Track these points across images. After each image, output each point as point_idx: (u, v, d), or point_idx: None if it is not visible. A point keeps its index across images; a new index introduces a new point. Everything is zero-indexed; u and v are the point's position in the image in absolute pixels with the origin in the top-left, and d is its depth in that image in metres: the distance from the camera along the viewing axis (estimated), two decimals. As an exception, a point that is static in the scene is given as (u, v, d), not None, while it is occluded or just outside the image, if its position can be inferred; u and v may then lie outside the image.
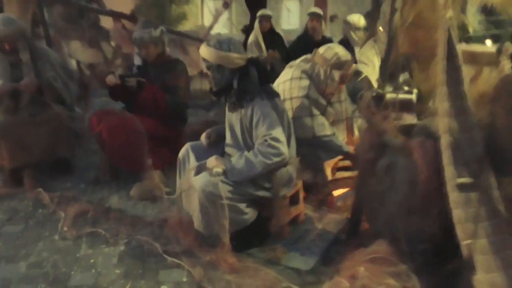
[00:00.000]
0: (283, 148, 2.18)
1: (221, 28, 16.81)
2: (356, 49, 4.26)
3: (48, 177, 3.35)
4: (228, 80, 2.28)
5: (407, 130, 2.38)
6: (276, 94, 2.36)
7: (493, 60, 2.60)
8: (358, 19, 4.19)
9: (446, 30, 2.07)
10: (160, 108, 3.15)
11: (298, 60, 2.96)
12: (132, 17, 4.33)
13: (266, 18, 4.68)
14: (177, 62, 3.37)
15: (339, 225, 2.68)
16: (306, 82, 2.76)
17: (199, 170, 2.30)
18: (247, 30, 5.05)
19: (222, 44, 2.25)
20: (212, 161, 2.25)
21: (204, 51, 2.30)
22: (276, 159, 2.14)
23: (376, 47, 4.34)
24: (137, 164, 3.04)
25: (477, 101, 3.14)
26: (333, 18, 20.04)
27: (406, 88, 4.32)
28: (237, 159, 2.22)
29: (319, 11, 4.47)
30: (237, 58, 2.25)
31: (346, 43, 4.34)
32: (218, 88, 2.34)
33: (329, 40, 4.55)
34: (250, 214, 2.30)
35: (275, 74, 4.68)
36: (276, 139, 2.16)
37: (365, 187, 2.31)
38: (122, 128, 3.01)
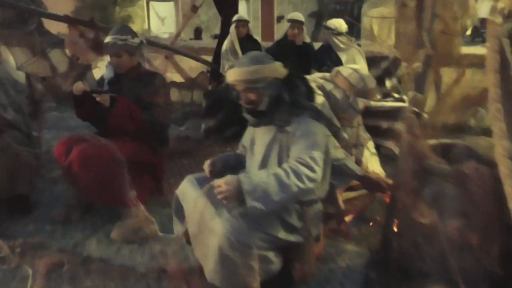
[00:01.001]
0: (318, 174, 1.79)
1: (169, 32, 16.23)
2: (341, 54, 4.00)
3: (4, 220, 2.75)
4: (277, 93, 1.95)
5: (444, 151, 2.12)
6: (322, 117, 2.04)
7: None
8: (340, 24, 3.93)
9: (498, 38, 1.81)
10: (136, 126, 2.68)
11: (313, 76, 2.62)
12: (91, 24, 3.77)
13: (243, 23, 4.29)
14: (155, 75, 2.92)
15: (361, 259, 2.37)
16: (320, 99, 2.43)
17: (212, 200, 1.87)
18: (221, 36, 4.63)
19: (256, 58, 1.95)
20: (224, 181, 1.77)
21: (240, 72, 1.94)
22: (308, 185, 1.74)
23: (362, 51, 4.11)
24: (117, 199, 2.55)
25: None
26: (279, 19, 20.07)
27: (396, 95, 4.15)
28: (260, 176, 1.76)
29: (300, 18, 4.15)
30: (280, 66, 1.98)
31: (328, 49, 4.07)
32: (267, 105, 1.95)
33: (310, 45, 4.26)
34: (277, 262, 1.92)
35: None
36: (315, 160, 1.79)
37: (405, 220, 2.01)
38: (97, 158, 2.50)
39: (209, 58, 5.20)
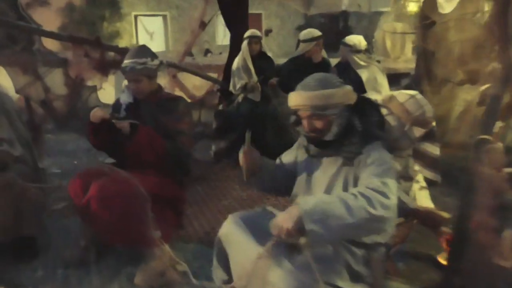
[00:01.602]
0: (393, 201, 1.53)
1: (158, 47, 16.01)
2: (361, 72, 3.80)
3: (9, 266, 2.44)
4: (348, 121, 1.72)
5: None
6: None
7: None
8: (359, 41, 3.75)
9: None
10: (159, 156, 2.43)
11: None
12: (97, 42, 3.51)
13: (256, 40, 4.08)
14: (178, 100, 2.67)
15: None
16: None
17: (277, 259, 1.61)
18: (231, 52, 4.41)
19: (326, 81, 1.73)
20: (282, 218, 1.53)
21: (308, 97, 1.71)
22: (381, 212, 1.47)
23: (382, 69, 3.93)
24: (140, 239, 2.24)
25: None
26: (267, 32, 20.05)
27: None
28: (321, 196, 1.57)
29: (318, 33, 3.96)
30: (351, 91, 1.75)
31: (346, 67, 3.88)
32: (336, 135, 1.72)
33: (328, 63, 4.06)
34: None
35: (270, 105, 4.17)
36: (388, 187, 1.54)
37: (481, 262, 1.79)
38: (119, 195, 2.22)
39: (215, 76, 4.98)
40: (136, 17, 16.91)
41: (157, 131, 2.47)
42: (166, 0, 17.25)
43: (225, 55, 4.89)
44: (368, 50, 3.95)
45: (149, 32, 17.62)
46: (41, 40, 3.62)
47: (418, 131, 2.20)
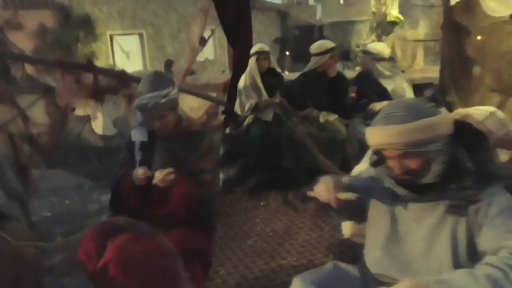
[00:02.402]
0: None
1: (135, 66, 15.50)
2: (386, 83, 3.48)
3: None
4: (451, 157, 1.34)
5: None
6: None
7: None
8: (383, 48, 3.44)
9: None
10: (192, 208, 2.00)
11: None
12: (89, 67, 3.06)
13: (265, 56, 3.71)
14: (202, 134, 2.24)
15: None
16: None
17: None
18: (235, 70, 4.02)
19: (418, 109, 1.34)
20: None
21: (398, 132, 1.32)
22: None
23: (407, 79, 3.62)
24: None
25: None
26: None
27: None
28: (461, 279, 1.16)
29: (331, 44, 3.63)
30: (449, 117, 1.38)
31: (368, 77, 3.56)
32: (439, 174, 1.34)
33: (344, 76, 3.73)
34: None
35: (284, 126, 3.78)
36: None
37: None
38: (145, 257, 1.79)
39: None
40: (111, 36, 16.37)
41: (179, 171, 2.05)
42: (140, 18, 16.80)
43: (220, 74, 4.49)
44: (393, 58, 3.64)
45: (125, 51, 17.11)
46: (24, 66, 3.15)
47: (506, 154, 1.86)
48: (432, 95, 3.82)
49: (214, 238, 2.37)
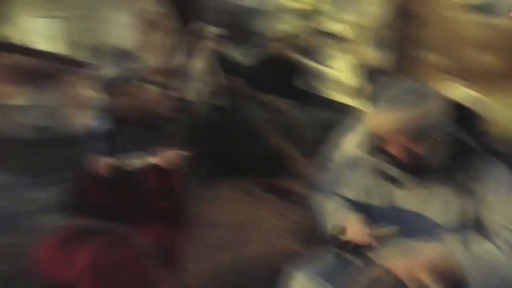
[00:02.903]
0: None
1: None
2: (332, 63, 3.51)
3: None
4: (455, 138, 1.33)
5: None
6: None
7: None
8: (341, 28, 3.45)
9: None
10: (171, 200, 1.86)
11: None
12: (7, 46, 2.65)
13: (221, 39, 3.56)
14: (172, 118, 2.09)
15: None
16: None
17: None
18: (187, 54, 3.80)
19: (420, 91, 1.30)
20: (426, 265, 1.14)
21: (404, 117, 1.27)
22: None
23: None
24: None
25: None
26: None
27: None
28: (483, 249, 1.19)
29: (286, 29, 3.57)
30: (449, 101, 1.36)
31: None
32: (445, 156, 1.31)
33: (298, 60, 3.71)
34: None
35: (242, 111, 3.66)
36: None
37: None
38: (123, 261, 1.61)
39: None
40: (28, 20, 14.92)
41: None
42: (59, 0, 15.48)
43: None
44: (341, 38, 3.67)
45: (41, 34, 15.72)
46: None
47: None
48: (380, 79, 3.92)
49: (189, 233, 2.22)
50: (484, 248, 1.14)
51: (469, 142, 1.32)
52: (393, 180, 1.42)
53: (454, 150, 1.32)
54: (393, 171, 1.40)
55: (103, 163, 1.82)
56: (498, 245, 1.17)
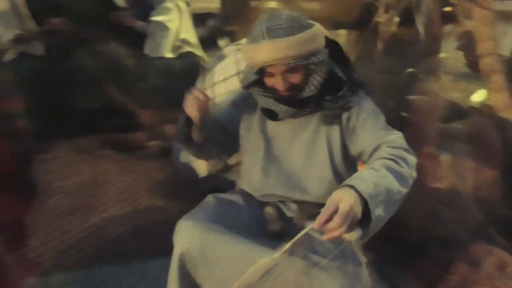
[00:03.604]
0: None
1: None
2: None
3: None
4: (328, 68, 1.35)
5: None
6: None
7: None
8: None
9: None
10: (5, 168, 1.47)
11: None
12: None
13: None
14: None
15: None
16: None
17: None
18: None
19: (296, 20, 1.30)
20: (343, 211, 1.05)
21: (283, 46, 1.25)
22: (414, 176, 1.26)
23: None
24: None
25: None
26: None
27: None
28: (372, 173, 1.17)
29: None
30: (322, 28, 1.37)
31: None
32: (319, 86, 1.33)
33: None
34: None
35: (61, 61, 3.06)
36: (405, 140, 1.33)
37: (418, 191, 1.86)
38: None
39: None
40: None
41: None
42: None
43: None
44: None
45: None
46: None
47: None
48: (214, 24, 3.88)
49: (30, 204, 1.82)
50: (368, 171, 1.21)
51: (340, 74, 1.37)
52: (269, 113, 1.40)
53: (326, 81, 1.36)
54: (270, 103, 1.37)
55: None
56: (388, 156, 1.25)
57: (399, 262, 1.90)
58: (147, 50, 3.12)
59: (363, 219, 1.09)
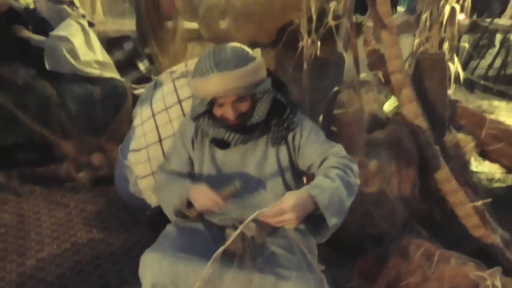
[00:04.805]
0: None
1: None
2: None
3: None
4: (273, 95, 1.46)
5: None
6: None
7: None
8: None
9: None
10: None
11: None
12: None
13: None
14: None
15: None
16: None
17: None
18: None
19: (242, 53, 1.40)
20: (290, 205, 1.24)
21: (233, 78, 1.35)
22: (358, 183, 1.44)
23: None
24: None
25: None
26: None
27: (154, 77, 3.79)
28: (326, 182, 1.32)
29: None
30: (264, 63, 1.47)
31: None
32: (265, 112, 1.44)
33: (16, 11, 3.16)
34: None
35: None
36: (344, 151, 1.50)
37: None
38: None
39: None
40: None
41: None
42: None
43: None
44: (73, 2, 3.32)
45: None
46: None
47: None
48: (133, 47, 3.84)
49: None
50: (324, 181, 1.35)
51: (282, 99, 1.50)
52: (220, 142, 1.48)
53: (271, 106, 1.48)
54: (220, 132, 1.45)
55: None
56: (334, 165, 1.40)
57: (341, 263, 2.08)
58: (47, 65, 2.95)
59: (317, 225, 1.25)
